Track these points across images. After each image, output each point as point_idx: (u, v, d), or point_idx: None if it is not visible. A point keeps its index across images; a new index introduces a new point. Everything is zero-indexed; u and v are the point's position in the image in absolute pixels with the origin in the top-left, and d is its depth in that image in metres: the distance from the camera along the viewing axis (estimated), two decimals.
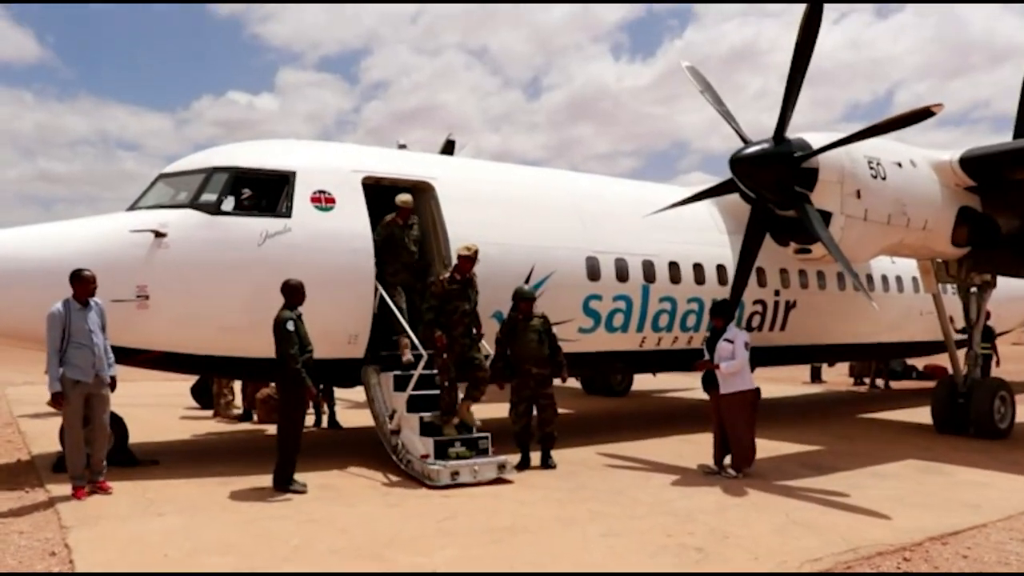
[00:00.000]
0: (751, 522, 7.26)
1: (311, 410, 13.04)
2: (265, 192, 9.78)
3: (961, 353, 13.66)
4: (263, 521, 7.05)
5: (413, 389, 9.39)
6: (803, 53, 10.06)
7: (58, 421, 8.05)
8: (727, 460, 9.54)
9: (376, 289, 9.92)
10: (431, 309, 9.44)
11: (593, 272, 11.81)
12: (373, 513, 7.46)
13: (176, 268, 8.94)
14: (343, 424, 13.31)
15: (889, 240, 11.37)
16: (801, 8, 9.94)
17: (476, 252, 9.56)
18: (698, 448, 10.76)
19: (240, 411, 14.32)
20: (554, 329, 10.17)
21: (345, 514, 7.37)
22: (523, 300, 9.97)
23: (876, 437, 12.67)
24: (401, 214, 10.19)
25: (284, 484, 8.19)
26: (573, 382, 18.60)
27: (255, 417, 13.81)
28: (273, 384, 11.63)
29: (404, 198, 10.20)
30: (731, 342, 9.49)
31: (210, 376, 14.24)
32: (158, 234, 8.92)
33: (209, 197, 9.47)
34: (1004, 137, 13.31)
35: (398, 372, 9.78)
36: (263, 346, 8.50)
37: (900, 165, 11.19)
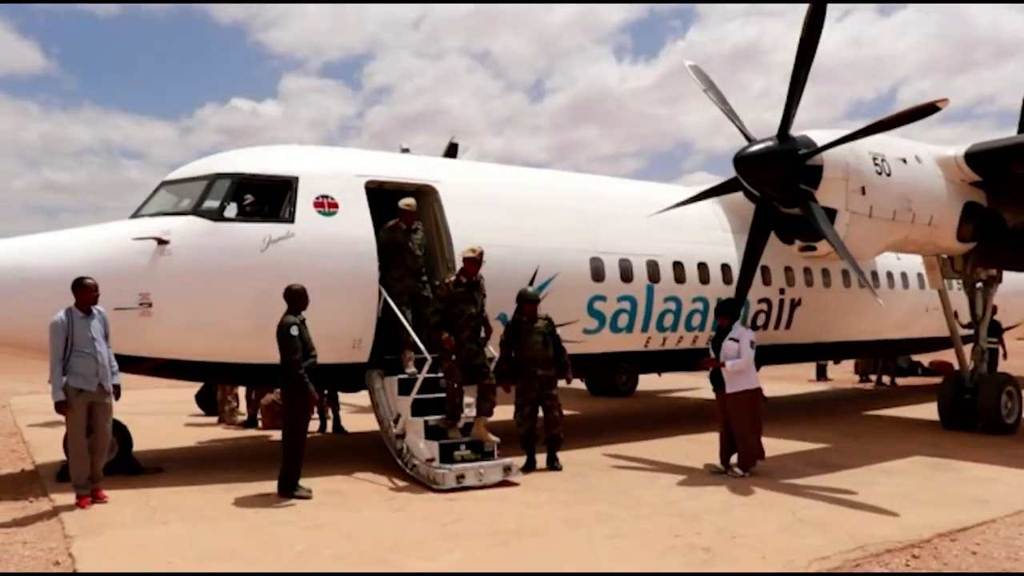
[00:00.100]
0: (758, 521, 7.23)
1: (316, 415, 13.04)
2: (268, 198, 9.75)
3: (967, 348, 13.59)
4: (268, 527, 7.03)
5: (418, 393, 9.36)
6: (806, 51, 10.03)
7: (62, 430, 8.03)
8: (733, 459, 9.50)
9: (380, 294, 9.90)
10: (437, 312, 9.40)
11: (597, 273, 11.77)
12: (378, 517, 7.43)
13: (179, 275, 8.92)
14: (348, 429, 13.27)
15: (894, 236, 11.33)
16: (804, 6, 9.91)
17: (481, 254, 9.52)
18: (704, 448, 10.71)
19: (244, 417, 14.30)
20: (559, 330, 10.13)
21: (350, 519, 7.35)
22: (527, 302, 9.93)
23: (883, 434, 12.62)
24: (404, 219, 10.13)
25: (289, 490, 8.17)
26: (578, 383, 18.59)
27: (260, 423, 13.79)
28: (277, 390, 11.61)
29: (407, 202, 10.16)
30: (737, 341, 9.46)
31: (214, 383, 14.24)
32: (161, 241, 8.90)
33: (212, 204, 9.45)
34: (1009, 132, 13.28)
35: (402, 376, 9.76)
36: (267, 352, 8.48)
37: (905, 161, 11.14)
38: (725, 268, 13.34)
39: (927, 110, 9.45)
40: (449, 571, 5.86)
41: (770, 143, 10.59)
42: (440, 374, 9.53)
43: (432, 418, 9.27)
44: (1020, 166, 11.89)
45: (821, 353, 17.52)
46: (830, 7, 9.91)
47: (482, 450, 9.09)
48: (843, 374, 23.63)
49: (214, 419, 14.67)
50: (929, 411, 14.00)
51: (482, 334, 9.60)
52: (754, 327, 13.41)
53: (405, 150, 14.23)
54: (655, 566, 5.98)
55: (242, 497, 8.14)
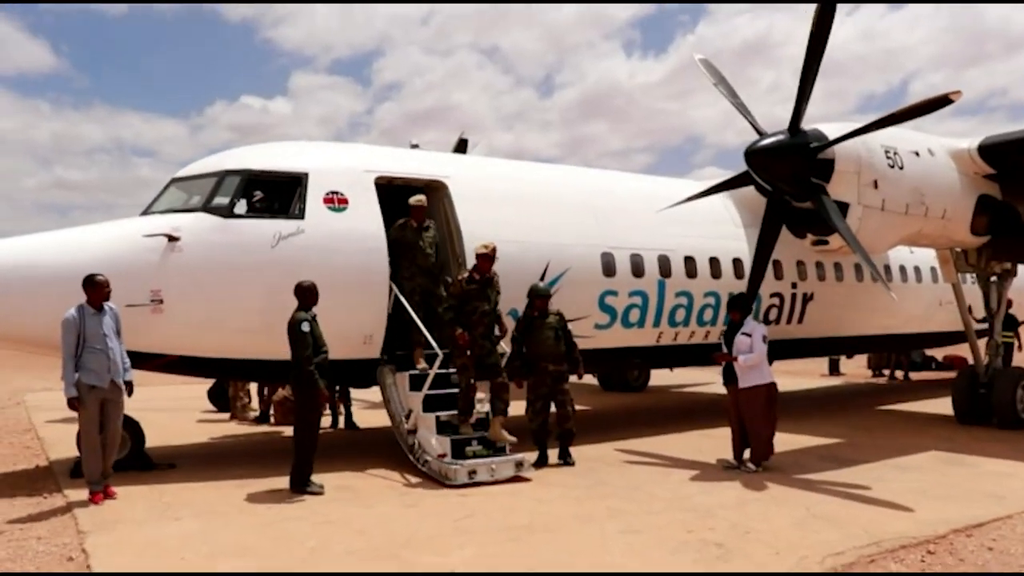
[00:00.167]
0: (772, 516, 7.19)
1: (328, 411, 13.06)
2: (278, 194, 9.75)
3: (982, 343, 13.50)
4: (280, 523, 7.03)
5: (429, 388, 9.36)
6: (817, 44, 9.95)
7: (76, 427, 8.06)
8: (746, 454, 9.46)
9: (391, 290, 9.89)
10: (450, 309, 9.38)
11: (608, 268, 11.74)
12: (390, 513, 7.43)
13: (190, 272, 8.93)
14: (359, 425, 13.29)
15: (907, 230, 11.24)
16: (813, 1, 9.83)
17: (494, 250, 9.48)
18: (717, 443, 10.67)
19: (257, 413, 14.34)
20: (570, 326, 10.11)
21: (362, 515, 7.34)
22: (538, 297, 9.91)
23: (896, 429, 12.55)
24: (415, 216, 10.09)
25: (301, 486, 8.17)
26: (590, 378, 18.55)
27: (272, 419, 13.82)
28: (289, 386, 11.61)
29: (417, 199, 10.12)
30: (749, 335, 9.41)
31: (226, 379, 14.27)
32: (171, 238, 8.92)
33: (222, 200, 9.45)
34: (1022, 125, 13.14)
35: (414, 372, 9.75)
36: (278, 348, 8.49)
37: (918, 154, 11.06)
38: (737, 263, 13.28)
39: (940, 102, 9.37)
40: (461, 569, 5.84)
41: (781, 137, 10.52)
42: (451, 370, 9.53)
43: (444, 414, 9.27)
44: None
45: (834, 348, 17.44)
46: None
47: (494, 446, 9.08)
48: (856, 369, 23.53)
49: (226, 415, 14.71)
50: (943, 406, 13.92)
51: (496, 332, 9.56)
52: (766, 322, 13.35)
53: (415, 146, 14.18)
54: (668, 562, 5.95)
55: (254, 493, 8.15)
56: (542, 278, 10.76)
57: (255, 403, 14.71)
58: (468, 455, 8.83)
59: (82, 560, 6.00)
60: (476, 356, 9.26)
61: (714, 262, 13.03)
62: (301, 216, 9.54)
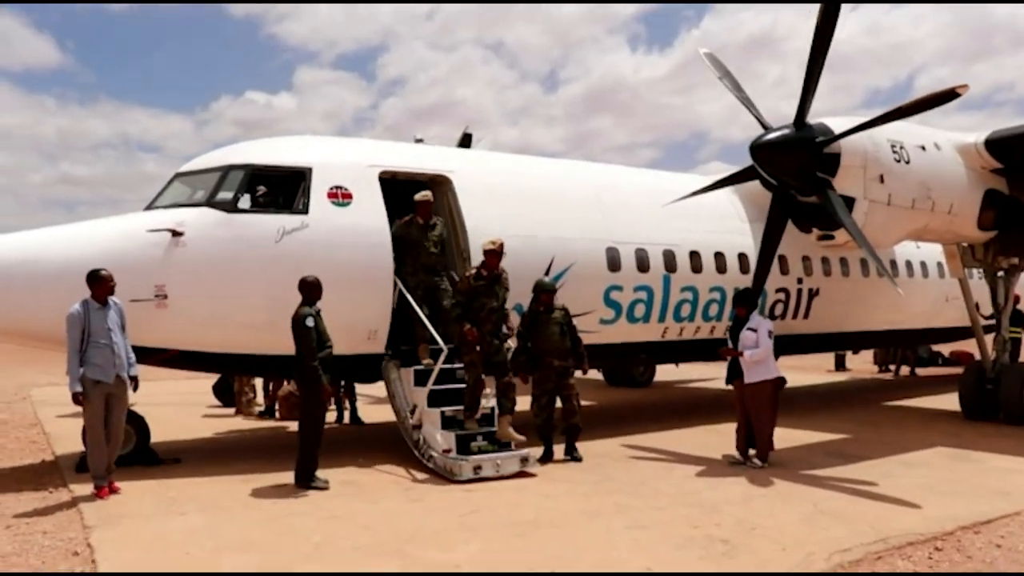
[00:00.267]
0: (778, 513, 7.16)
1: (333, 407, 13.05)
2: (282, 189, 9.74)
3: (989, 338, 13.44)
4: (286, 518, 7.02)
5: (434, 384, 9.34)
6: (822, 38, 9.90)
7: (82, 422, 8.06)
8: (752, 450, 9.43)
9: (395, 284, 9.87)
10: (457, 305, 9.35)
11: (613, 263, 11.70)
12: (395, 509, 7.42)
13: (194, 267, 8.92)
14: (365, 420, 13.28)
15: (914, 225, 11.19)
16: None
17: (501, 246, 9.43)
18: (723, 438, 10.64)
19: (262, 408, 14.35)
20: (575, 321, 10.08)
21: (367, 510, 7.33)
22: (544, 292, 9.88)
23: (903, 425, 12.50)
24: (421, 213, 10.03)
25: (306, 481, 8.17)
26: (595, 374, 18.52)
27: (277, 414, 13.82)
28: (294, 381, 11.61)
29: (424, 195, 10.08)
30: (754, 331, 9.38)
31: (231, 374, 14.27)
32: (175, 233, 8.91)
33: (226, 195, 9.44)
34: None
35: (419, 367, 9.73)
36: (282, 343, 8.48)
37: (924, 148, 11.00)
38: (742, 257, 13.24)
39: (947, 96, 9.30)
40: (466, 564, 5.82)
41: (787, 131, 10.47)
42: (456, 365, 9.52)
43: (449, 409, 9.25)
44: None
45: (840, 343, 17.37)
46: None
47: (499, 441, 9.06)
48: (862, 364, 23.48)
49: (231, 410, 14.71)
50: (950, 402, 13.88)
51: (504, 329, 9.52)
52: (772, 317, 13.30)
53: (419, 141, 14.15)
54: (673, 557, 5.93)
55: (260, 488, 8.14)
56: (547, 273, 10.74)
57: (260, 398, 14.72)
58: (473, 450, 8.81)
59: (87, 555, 5.99)
60: (484, 353, 9.24)
61: (719, 257, 12.99)
62: (305, 211, 9.52)
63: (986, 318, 14.17)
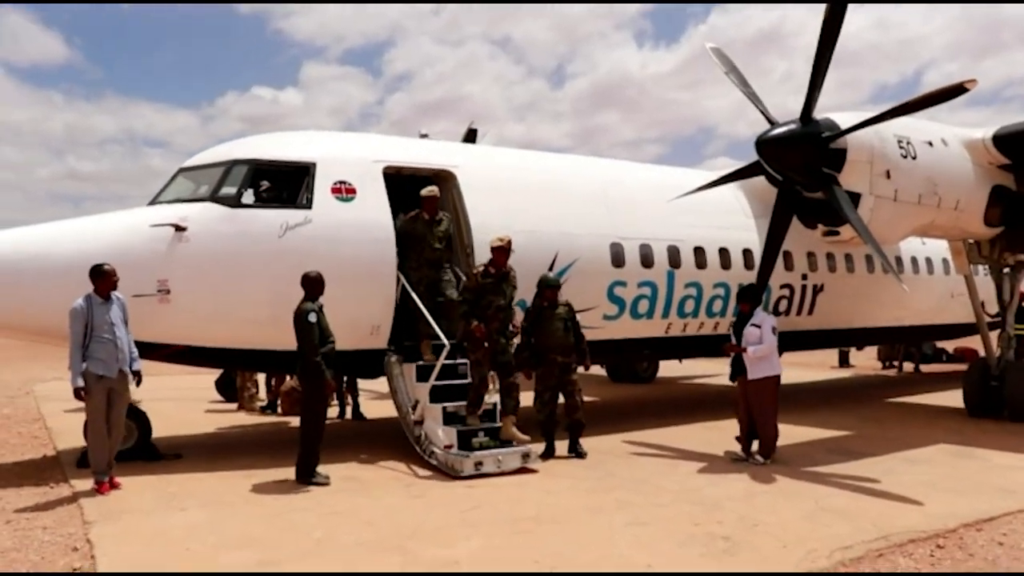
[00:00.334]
0: (780, 509, 7.14)
1: (335, 402, 13.06)
2: (285, 184, 9.71)
3: (994, 335, 13.39)
4: (287, 514, 7.02)
5: (436, 379, 9.32)
6: (829, 33, 9.84)
7: (83, 417, 8.07)
8: (755, 447, 9.40)
9: (398, 280, 9.85)
10: (465, 303, 9.32)
11: (617, 258, 11.67)
12: (397, 504, 7.41)
13: (197, 262, 8.92)
14: (367, 415, 13.28)
15: (920, 221, 11.13)
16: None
17: (509, 243, 9.38)
18: (725, 435, 10.61)
19: (264, 403, 14.36)
20: (578, 316, 10.05)
21: (369, 506, 7.33)
22: (548, 288, 9.85)
23: (907, 421, 12.46)
24: (427, 208, 9.99)
25: (307, 476, 8.16)
26: (598, 369, 18.51)
27: (279, 410, 13.83)
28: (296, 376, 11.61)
29: (430, 190, 10.05)
30: (758, 327, 9.34)
31: (234, 369, 14.28)
32: (178, 228, 8.90)
33: (229, 190, 9.43)
34: None
35: (421, 363, 9.72)
36: (284, 338, 8.46)
37: (931, 144, 10.94)
38: (747, 253, 13.20)
39: (955, 91, 9.24)
40: (467, 559, 5.80)
41: (793, 126, 10.42)
42: (459, 360, 9.50)
43: (451, 404, 9.23)
44: None
45: (844, 339, 17.34)
46: None
47: (500, 437, 9.05)
48: (866, 361, 23.42)
49: (234, 405, 14.73)
50: (954, 398, 13.83)
51: (510, 327, 9.48)
52: (776, 313, 13.28)
53: (424, 136, 14.13)
54: (675, 554, 5.91)
55: (261, 483, 8.14)
56: (551, 268, 10.71)
57: (263, 393, 14.74)
58: (475, 447, 8.79)
59: (87, 550, 5.99)
60: (490, 351, 9.20)
61: (724, 253, 12.95)
62: (309, 206, 9.50)
63: (991, 316, 14.10)
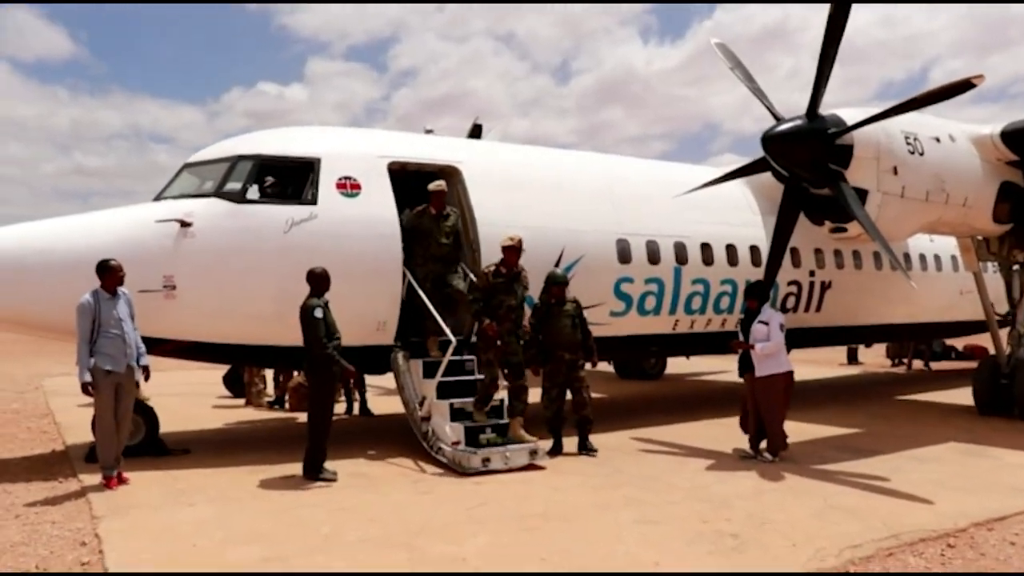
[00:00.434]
0: (788, 507, 7.10)
1: (342, 398, 13.07)
2: (290, 179, 9.71)
3: (1004, 332, 13.31)
4: (294, 510, 7.01)
5: (443, 376, 9.30)
6: (835, 29, 9.79)
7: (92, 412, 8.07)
8: (763, 444, 9.36)
9: (404, 276, 9.83)
10: (476, 302, 9.29)
11: (624, 255, 11.63)
12: (404, 501, 7.39)
13: (202, 257, 8.91)
14: (374, 411, 13.28)
15: (927, 217, 11.08)
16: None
17: (520, 242, 9.35)
18: (733, 432, 10.54)
19: (272, 399, 14.37)
20: (585, 313, 10.02)
21: (376, 502, 7.31)
22: (555, 284, 9.81)
23: (916, 419, 12.40)
24: (435, 203, 9.95)
25: (314, 472, 8.14)
26: (606, 366, 18.47)
27: (287, 405, 13.84)
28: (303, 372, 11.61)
29: (437, 185, 10.00)
30: (766, 324, 9.31)
31: (241, 365, 14.29)
32: (184, 224, 8.89)
33: (234, 186, 9.42)
34: None
35: (428, 359, 9.70)
36: (291, 334, 8.45)
37: (938, 140, 10.88)
38: (754, 250, 13.15)
39: (962, 87, 9.20)
40: (474, 556, 5.78)
41: (799, 122, 10.37)
42: (466, 357, 9.48)
43: (458, 401, 9.22)
44: None
45: (852, 337, 17.30)
46: None
47: (507, 433, 9.03)
48: (875, 358, 23.35)
49: (241, 401, 14.75)
50: (963, 396, 13.77)
51: (521, 328, 9.45)
52: (784, 310, 13.21)
53: (429, 131, 14.10)
54: (683, 552, 5.88)
55: (269, 479, 8.14)
56: (556, 264, 10.68)
57: (270, 389, 14.76)
58: (482, 443, 8.78)
59: (95, 545, 5.98)
60: (501, 351, 9.16)
61: (731, 249, 12.90)
62: (314, 201, 9.49)
63: (1001, 316, 14.03)
